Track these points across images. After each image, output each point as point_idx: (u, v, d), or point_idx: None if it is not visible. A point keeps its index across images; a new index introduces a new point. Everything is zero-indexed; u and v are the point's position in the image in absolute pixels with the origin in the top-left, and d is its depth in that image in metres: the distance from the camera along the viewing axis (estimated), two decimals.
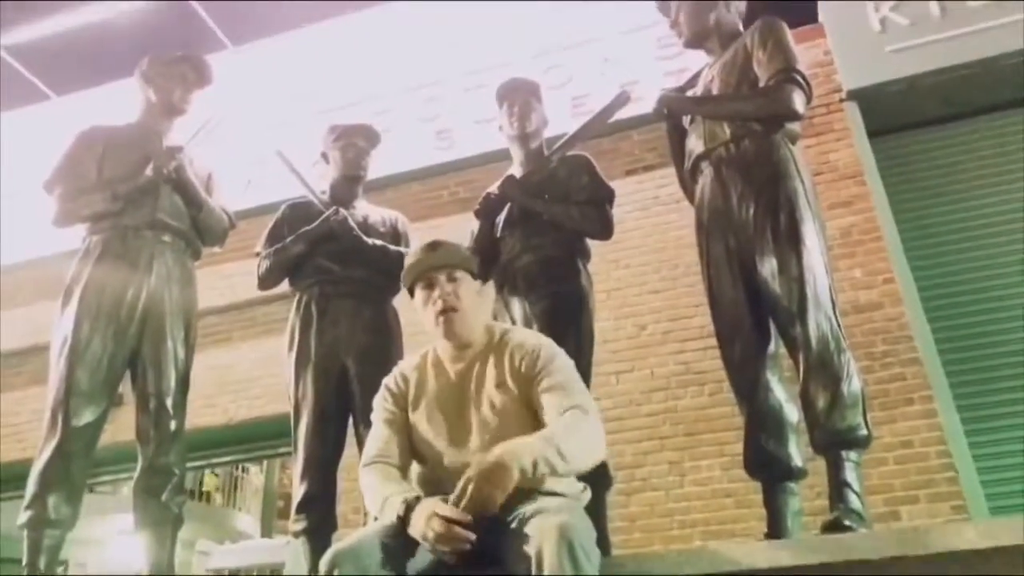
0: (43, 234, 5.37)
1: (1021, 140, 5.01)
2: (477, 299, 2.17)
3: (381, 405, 2.18)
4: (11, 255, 6.80)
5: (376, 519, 1.98)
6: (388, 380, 2.22)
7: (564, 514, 1.70)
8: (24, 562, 2.71)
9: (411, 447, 2.11)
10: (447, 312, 2.07)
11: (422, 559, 1.80)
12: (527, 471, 1.76)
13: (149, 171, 3.03)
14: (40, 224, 3.35)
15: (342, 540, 1.82)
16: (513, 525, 1.76)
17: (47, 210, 3.11)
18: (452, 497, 1.78)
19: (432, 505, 1.78)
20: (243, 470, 11.84)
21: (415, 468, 2.11)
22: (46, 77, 7.32)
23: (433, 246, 2.16)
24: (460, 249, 2.24)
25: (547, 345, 2.10)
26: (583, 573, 1.59)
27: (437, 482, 2.00)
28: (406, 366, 2.22)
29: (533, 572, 1.61)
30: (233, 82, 5.82)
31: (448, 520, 1.73)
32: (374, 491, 1.98)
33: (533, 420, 1.98)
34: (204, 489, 11.42)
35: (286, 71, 6.77)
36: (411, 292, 2.18)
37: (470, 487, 1.75)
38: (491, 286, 3.01)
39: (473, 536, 1.74)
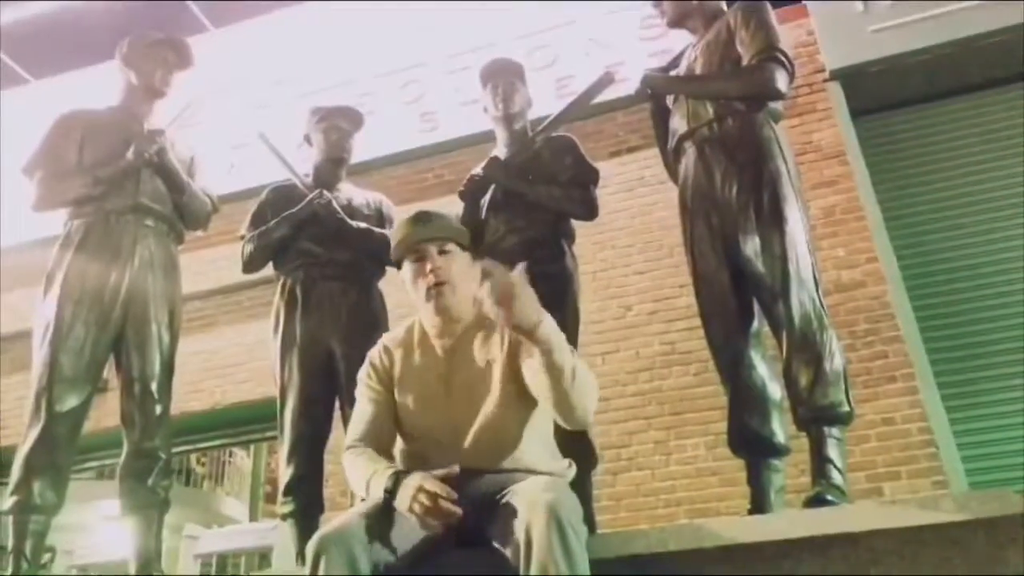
0: (23, 220, 5.34)
1: (1003, 119, 5.04)
2: (468, 272, 2.09)
3: (365, 382, 2.14)
4: None
5: (362, 500, 1.99)
6: (372, 355, 2.17)
7: (551, 492, 1.70)
8: (10, 548, 2.70)
9: (396, 423, 2.09)
10: (439, 286, 2.01)
11: (408, 540, 1.81)
12: (551, 345, 1.72)
13: (130, 154, 3.00)
14: (20, 210, 3.32)
15: (328, 523, 1.83)
16: (501, 502, 1.77)
17: (27, 195, 3.08)
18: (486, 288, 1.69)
19: (420, 479, 1.78)
20: (230, 454, 11.83)
21: (400, 444, 2.09)
22: (24, 61, 7.22)
23: (423, 217, 2.11)
24: (451, 220, 2.18)
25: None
26: (571, 551, 1.59)
27: (423, 458, 1.98)
28: (390, 340, 2.17)
29: (521, 550, 1.62)
30: (214, 64, 5.76)
31: (435, 495, 1.74)
32: (358, 472, 1.96)
33: (524, 396, 1.95)
34: (192, 474, 11.43)
35: (268, 53, 6.72)
36: (398, 265, 2.13)
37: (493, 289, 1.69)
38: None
39: (460, 511, 1.74)
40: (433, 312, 2.04)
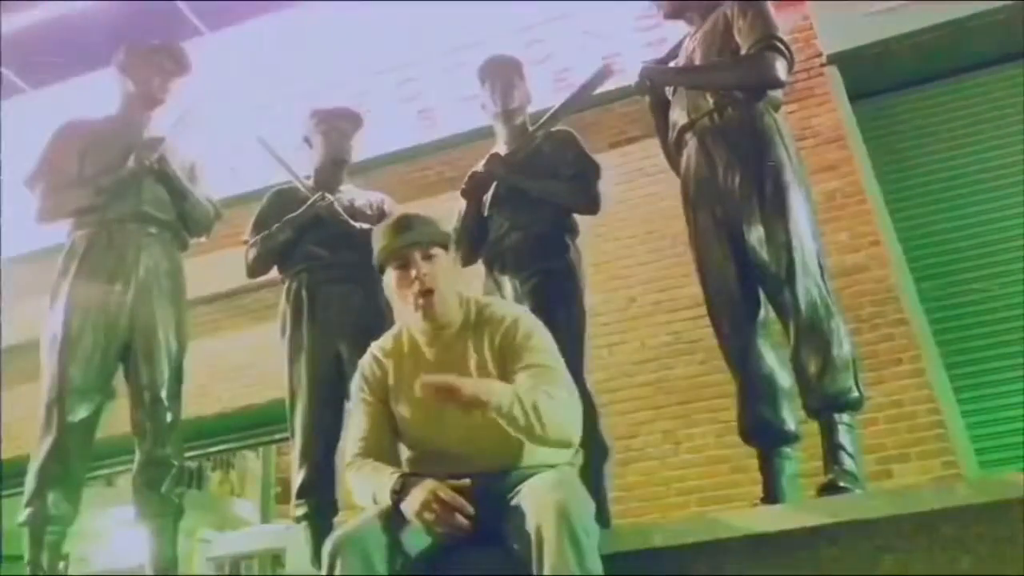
0: (25, 231, 5.34)
1: (1002, 97, 5.02)
2: (453, 275, 2.09)
3: (358, 395, 2.10)
4: None
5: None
6: (363, 366, 2.14)
7: (561, 491, 1.70)
8: (26, 559, 2.72)
9: (397, 433, 2.06)
10: (426, 294, 1.98)
11: (423, 541, 1.81)
12: (502, 408, 1.75)
13: (131, 163, 3.01)
14: (22, 221, 3.32)
15: (344, 525, 1.83)
16: (512, 503, 1.78)
17: (29, 207, 3.09)
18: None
19: (431, 486, 1.77)
20: (241, 457, 11.84)
21: (405, 453, 2.07)
22: (20, 71, 7.21)
23: (404, 223, 2.07)
24: (434, 224, 2.13)
25: (524, 320, 2.04)
26: (582, 550, 1.60)
27: (428, 465, 1.97)
28: (380, 351, 2.13)
29: (533, 551, 1.63)
30: (211, 69, 5.74)
31: (446, 504, 1.74)
32: (362, 484, 1.94)
33: None
34: (207, 477, 11.46)
35: (264, 55, 6.69)
36: (381, 270, 2.09)
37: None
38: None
39: (468, 523, 1.74)
40: (421, 319, 2.00)
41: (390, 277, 2.06)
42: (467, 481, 1.80)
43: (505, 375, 1.94)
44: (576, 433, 1.91)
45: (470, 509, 1.74)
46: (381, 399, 2.07)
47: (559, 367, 1.99)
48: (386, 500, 1.83)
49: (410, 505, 1.77)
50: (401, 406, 2.05)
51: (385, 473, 1.90)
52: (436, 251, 2.04)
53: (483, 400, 1.75)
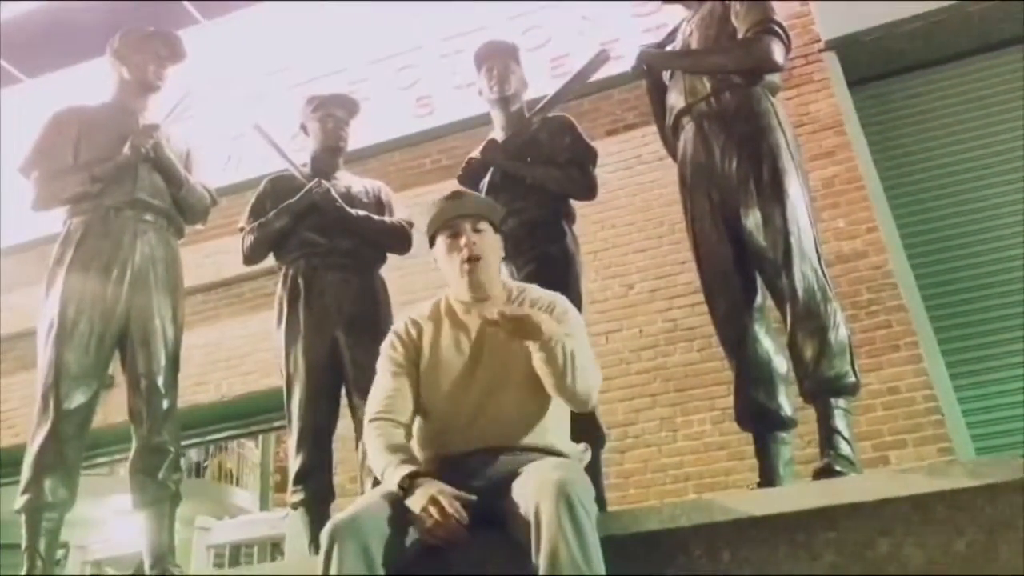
0: (21, 219, 5.34)
1: (1001, 83, 5.02)
2: (498, 251, 2.18)
3: (388, 355, 2.13)
4: None
5: (374, 482, 1.99)
6: (399, 326, 2.18)
7: (561, 470, 1.72)
8: (23, 546, 2.72)
9: (416, 401, 2.07)
10: (473, 261, 2.06)
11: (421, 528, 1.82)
12: (551, 341, 1.86)
13: (126, 150, 2.99)
14: (18, 209, 3.31)
15: (341, 510, 1.83)
16: (513, 483, 1.78)
17: (25, 195, 3.08)
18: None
19: (434, 490, 1.78)
20: (239, 445, 11.87)
21: (418, 423, 2.08)
22: (16, 60, 7.18)
23: (458, 195, 2.19)
24: (486, 200, 2.31)
25: (561, 300, 2.13)
26: (582, 529, 1.60)
27: (442, 438, 2.01)
28: (418, 314, 2.18)
29: (532, 529, 1.63)
30: (206, 56, 5.73)
31: (445, 512, 1.74)
32: (378, 451, 1.96)
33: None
34: (205, 465, 11.50)
35: (260, 43, 6.68)
36: (431, 241, 2.17)
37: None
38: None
39: (465, 534, 1.75)
40: (467, 286, 2.08)
41: (440, 246, 2.14)
42: (472, 497, 1.81)
43: None
44: (594, 397, 2.02)
45: (466, 521, 1.75)
46: (412, 361, 2.11)
47: (588, 346, 2.07)
48: (393, 488, 1.85)
49: (414, 503, 1.79)
50: (430, 369, 2.08)
51: (397, 458, 1.91)
52: (484, 226, 2.14)
53: (537, 326, 1.87)
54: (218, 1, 6.65)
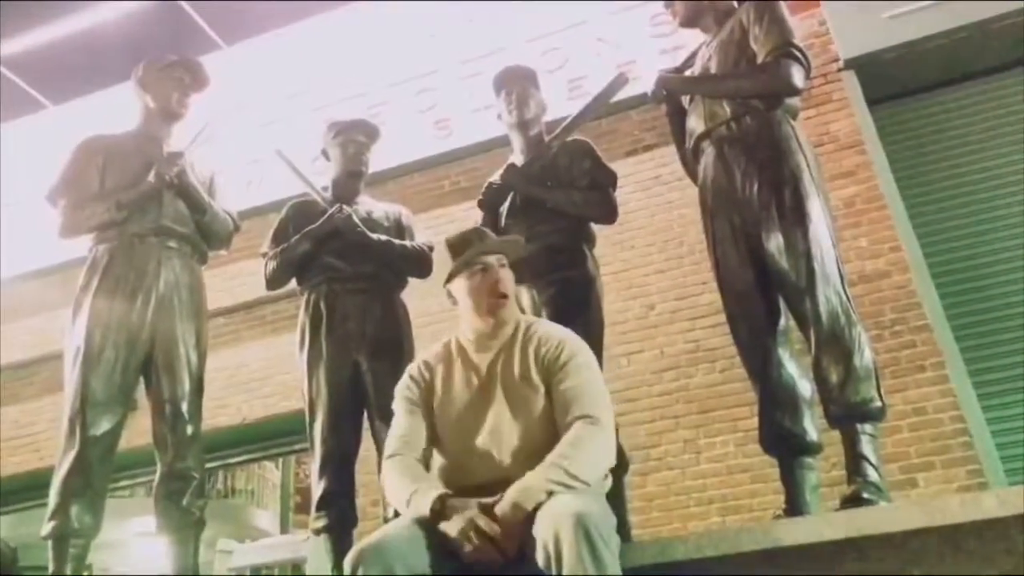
0: (46, 245, 5.40)
1: (1020, 101, 4.98)
2: (514, 289, 2.21)
3: (403, 395, 2.17)
4: (14, 267, 6.81)
5: (396, 513, 1.99)
6: (412, 369, 2.22)
7: (580, 501, 1.71)
8: (50, 572, 2.74)
9: (434, 440, 2.11)
10: (502, 297, 2.11)
11: (446, 559, 1.81)
12: (542, 501, 1.80)
13: (151, 178, 3.03)
14: (42, 235, 3.35)
15: (365, 536, 1.83)
16: (538, 514, 1.77)
17: (50, 222, 3.12)
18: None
19: (474, 514, 1.79)
20: (259, 466, 11.89)
21: (438, 460, 2.11)
22: (41, 87, 7.30)
23: (482, 234, 2.21)
24: (506, 239, 2.32)
25: (571, 341, 2.11)
26: (601, 561, 1.59)
27: (459, 473, 2.01)
28: (430, 356, 2.22)
29: (552, 562, 1.63)
30: (228, 82, 5.80)
31: (484, 534, 1.76)
32: (398, 485, 1.98)
33: (554, 413, 2.00)
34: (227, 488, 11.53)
35: (281, 69, 6.75)
36: (451, 277, 2.18)
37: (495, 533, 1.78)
38: None
39: (501, 555, 1.76)
40: (493, 324, 2.11)
41: (462, 283, 2.16)
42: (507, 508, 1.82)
43: (549, 389, 2.03)
44: (609, 462, 1.99)
45: (504, 540, 1.76)
46: (426, 402, 2.15)
47: (600, 388, 2.05)
48: (424, 513, 1.85)
49: (451, 527, 1.80)
50: (445, 410, 2.11)
51: (423, 484, 1.93)
52: (506, 262, 2.19)
53: (525, 510, 1.79)
54: (240, 15, 6.71)
